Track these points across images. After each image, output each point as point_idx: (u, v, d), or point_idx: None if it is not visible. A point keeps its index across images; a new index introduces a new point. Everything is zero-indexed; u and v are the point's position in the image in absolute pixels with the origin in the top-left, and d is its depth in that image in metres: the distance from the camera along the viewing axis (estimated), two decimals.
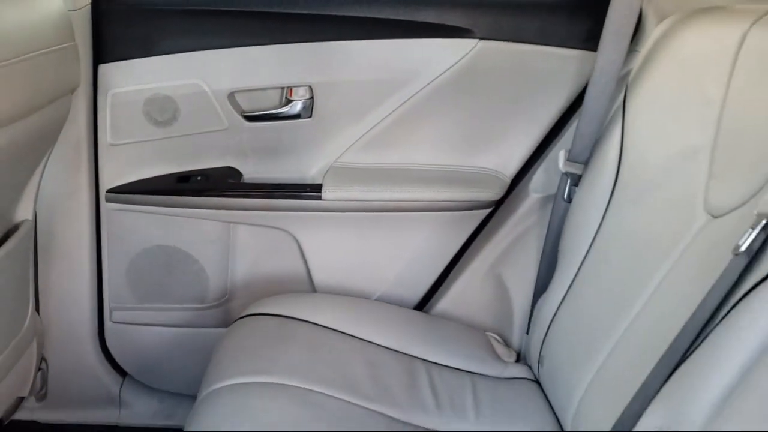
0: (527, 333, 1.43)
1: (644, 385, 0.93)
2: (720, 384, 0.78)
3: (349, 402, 1.16)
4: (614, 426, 0.96)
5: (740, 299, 0.82)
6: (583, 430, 1.09)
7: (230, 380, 1.17)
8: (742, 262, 0.84)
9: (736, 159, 1.01)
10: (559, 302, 1.29)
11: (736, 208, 0.95)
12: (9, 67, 0.98)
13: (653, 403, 0.90)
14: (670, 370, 0.89)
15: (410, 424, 1.16)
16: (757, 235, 0.84)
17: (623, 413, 0.96)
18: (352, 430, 1.10)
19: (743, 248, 0.84)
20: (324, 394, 1.16)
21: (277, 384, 1.16)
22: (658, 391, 0.90)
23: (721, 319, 0.84)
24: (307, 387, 1.16)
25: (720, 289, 0.86)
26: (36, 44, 1.07)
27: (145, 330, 1.62)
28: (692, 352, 0.86)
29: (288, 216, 1.51)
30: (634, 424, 0.92)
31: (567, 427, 1.16)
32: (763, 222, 0.83)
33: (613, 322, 1.10)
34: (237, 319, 1.39)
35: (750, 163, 0.96)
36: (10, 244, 1.26)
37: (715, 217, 1.00)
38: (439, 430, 1.16)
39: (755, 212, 0.86)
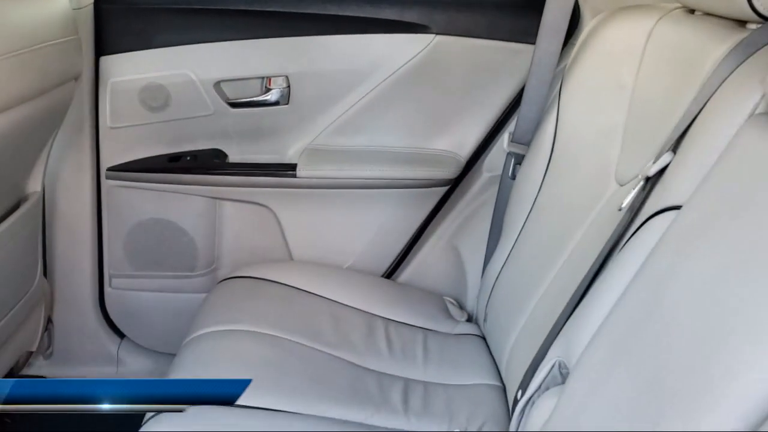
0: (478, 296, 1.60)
1: (554, 325, 1.11)
2: (598, 315, 0.95)
3: (313, 348, 1.34)
4: (532, 361, 1.13)
5: (620, 250, 0.99)
6: (512, 372, 1.26)
7: (209, 329, 1.35)
8: (626, 218, 1.02)
9: (640, 135, 1.18)
10: (501, 266, 1.46)
11: (635, 177, 1.13)
12: (20, 56, 1.16)
13: (558, 338, 1.07)
14: (571, 310, 1.07)
15: (365, 368, 1.33)
16: (637, 195, 1.01)
17: (538, 351, 1.13)
18: (315, 370, 1.28)
19: (624, 205, 1.02)
20: (291, 340, 1.34)
21: (250, 331, 1.34)
22: (562, 327, 1.07)
23: (603, 267, 1.01)
24: (276, 334, 1.34)
25: (609, 243, 1.04)
26: (43, 37, 1.25)
27: (141, 295, 1.80)
28: (586, 295, 1.04)
29: (267, 192, 1.70)
30: (543, 358, 1.09)
31: (502, 371, 1.34)
32: (641, 183, 1.01)
33: (541, 277, 1.27)
34: (219, 282, 1.57)
35: (649, 139, 1.12)
36: (21, 211, 1.44)
37: (621, 185, 1.17)
38: (389, 372, 1.33)
39: (639, 176, 1.03)
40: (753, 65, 0.89)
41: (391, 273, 1.76)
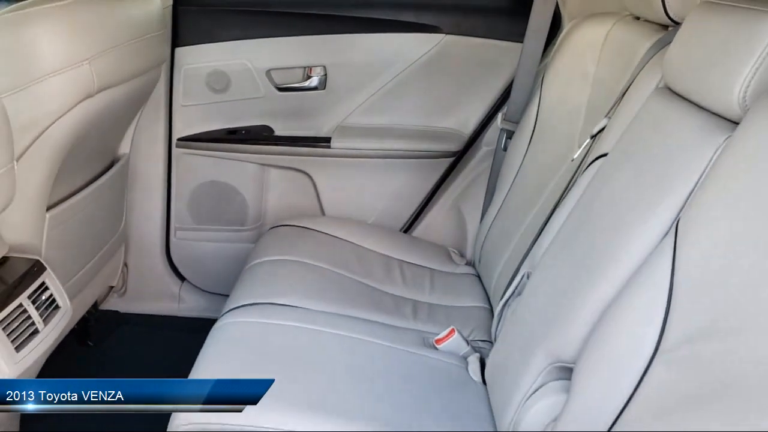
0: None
1: (526, 251, 1.48)
2: (552, 234, 1.32)
3: (343, 275, 1.72)
4: (510, 278, 1.50)
5: (569, 189, 1.37)
6: (497, 292, 1.63)
7: (264, 258, 1.74)
8: (575, 167, 1.39)
9: (595, 110, 1.55)
10: (493, 218, 1.84)
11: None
12: (133, 43, 1.56)
13: (527, 259, 1.44)
14: (536, 237, 1.44)
15: (383, 291, 1.71)
16: (583, 150, 1.39)
17: (514, 272, 1.50)
18: (345, 288, 1.65)
19: (575, 157, 1.39)
20: (327, 269, 1.72)
21: (296, 261, 1.72)
22: (529, 251, 1.45)
23: (559, 203, 1.39)
24: (315, 264, 1.72)
25: (564, 186, 1.42)
26: (147, 29, 1.65)
27: (200, 245, 2.19)
28: (547, 223, 1.41)
29: (306, 160, 2.09)
30: (516, 274, 1.45)
31: (490, 295, 1.71)
32: (588, 141, 1.38)
33: (521, 221, 1.64)
34: (270, 228, 1.96)
35: (600, 112, 1.49)
36: (115, 169, 1.84)
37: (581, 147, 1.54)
38: (402, 296, 1.71)
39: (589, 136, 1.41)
40: (662, 55, 1.26)
41: (407, 229, 2.14)
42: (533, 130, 1.79)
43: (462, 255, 2.02)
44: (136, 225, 2.14)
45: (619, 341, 0.96)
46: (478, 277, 1.88)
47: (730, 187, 0.88)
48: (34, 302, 1.26)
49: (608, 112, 1.35)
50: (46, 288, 1.32)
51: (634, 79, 1.32)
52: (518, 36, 1.92)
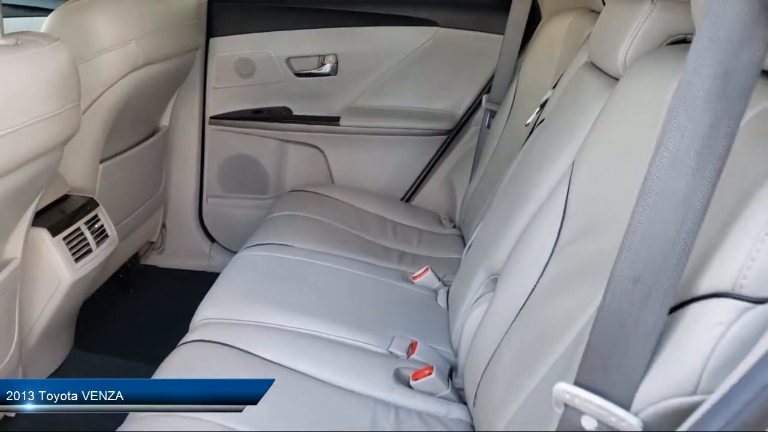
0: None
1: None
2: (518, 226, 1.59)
3: (344, 229, 2.02)
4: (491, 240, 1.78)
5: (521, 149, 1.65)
6: (474, 248, 1.91)
7: (283, 212, 2.05)
8: (529, 131, 1.68)
9: (559, 89, 1.82)
10: (475, 186, 2.12)
11: None
12: (173, 29, 1.91)
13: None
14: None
15: (374, 242, 2.01)
16: (534, 117, 1.67)
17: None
18: (342, 238, 1.96)
19: (528, 122, 1.68)
20: (330, 224, 2.03)
21: (307, 216, 2.03)
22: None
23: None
24: (321, 219, 2.03)
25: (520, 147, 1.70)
26: (186, 18, 2.00)
27: (228, 210, 2.53)
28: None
29: (318, 137, 2.41)
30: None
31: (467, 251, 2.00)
32: (537, 109, 1.67)
33: (494, 187, 1.92)
34: (287, 192, 2.29)
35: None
36: (156, 137, 2.19)
37: None
38: (391, 247, 2.01)
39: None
40: None
41: (408, 198, 2.44)
42: (510, 109, 2.07)
43: (451, 220, 2.31)
44: (174, 191, 2.49)
45: (530, 250, 1.25)
46: (463, 237, 2.17)
47: (607, 129, 1.16)
48: (89, 228, 1.61)
49: (554, 85, 1.64)
50: (98, 220, 1.67)
51: (573, 60, 1.60)
52: (503, 29, 2.21)
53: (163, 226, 2.53)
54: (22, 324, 1.46)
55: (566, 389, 0.70)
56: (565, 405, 0.71)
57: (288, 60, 2.36)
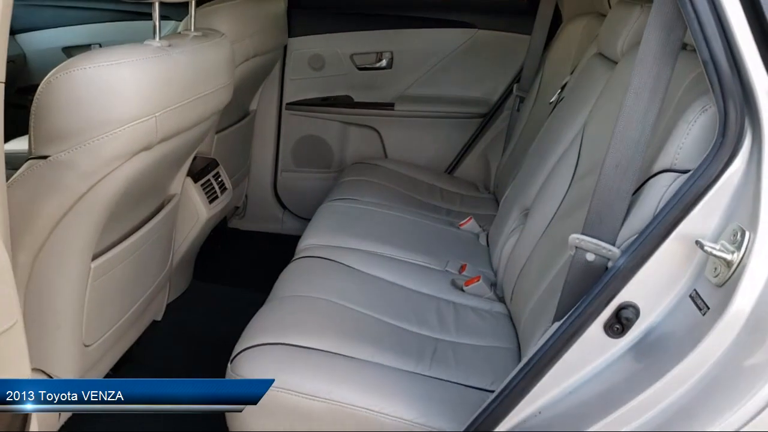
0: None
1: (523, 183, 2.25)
2: (544, 173, 2.08)
3: (401, 191, 2.51)
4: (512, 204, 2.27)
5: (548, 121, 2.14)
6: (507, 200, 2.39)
7: (349, 178, 2.55)
8: (552, 108, 2.16)
9: (575, 74, 2.30)
10: (506, 159, 2.61)
11: None
12: (268, 30, 2.41)
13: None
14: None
15: (427, 202, 2.49)
16: (556, 96, 2.15)
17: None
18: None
19: (552, 100, 2.16)
20: (389, 186, 2.52)
21: (369, 181, 2.52)
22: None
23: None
24: (381, 183, 2.52)
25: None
26: (277, 22, 2.51)
27: (298, 182, 3.03)
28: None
29: (376, 119, 2.91)
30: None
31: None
32: (559, 91, 2.15)
33: (523, 156, 2.40)
34: (351, 164, 2.79)
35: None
36: (245, 120, 2.69)
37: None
38: (440, 205, 2.49)
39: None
40: None
41: (451, 171, 2.93)
42: (536, 95, 2.55)
43: (486, 188, 2.79)
44: (255, 166, 2.99)
45: (553, 184, 1.73)
46: (497, 200, 2.65)
47: (608, 97, 1.64)
48: (216, 180, 2.12)
49: (572, 71, 2.12)
50: (220, 176, 2.17)
51: (586, 51, 2.08)
52: (530, 30, 2.70)
53: (245, 196, 3.03)
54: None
55: (577, 236, 1.18)
56: (576, 248, 1.19)
57: (352, 56, 2.86)
